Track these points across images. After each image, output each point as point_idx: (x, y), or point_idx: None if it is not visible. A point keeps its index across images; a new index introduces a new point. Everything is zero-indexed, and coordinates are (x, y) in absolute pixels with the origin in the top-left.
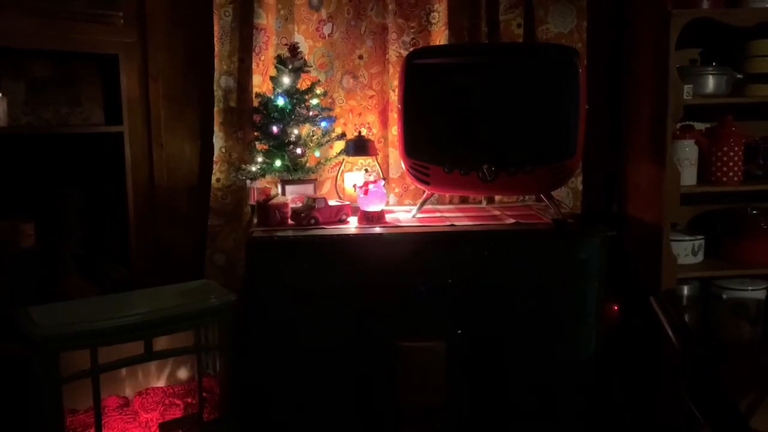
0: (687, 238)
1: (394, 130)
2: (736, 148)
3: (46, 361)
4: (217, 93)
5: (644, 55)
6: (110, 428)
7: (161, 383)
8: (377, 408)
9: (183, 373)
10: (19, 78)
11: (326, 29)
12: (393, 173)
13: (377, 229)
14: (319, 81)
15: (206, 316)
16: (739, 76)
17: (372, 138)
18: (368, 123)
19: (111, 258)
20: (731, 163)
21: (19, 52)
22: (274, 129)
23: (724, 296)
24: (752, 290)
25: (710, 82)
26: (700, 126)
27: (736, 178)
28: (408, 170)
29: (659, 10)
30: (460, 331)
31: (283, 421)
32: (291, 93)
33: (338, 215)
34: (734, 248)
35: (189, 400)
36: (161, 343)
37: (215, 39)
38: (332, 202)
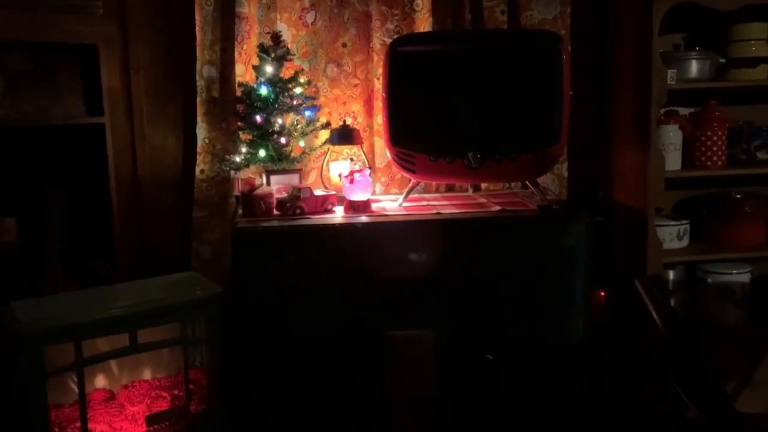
0: (672, 222)
1: (380, 119)
2: (720, 133)
3: (29, 355)
4: (200, 83)
5: (627, 40)
6: (96, 422)
7: (148, 376)
8: (366, 399)
9: (170, 366)
10: None
11: (309, 17)
12: (379, 162)
13: (363, 218)
14: (302, 70)
15: (192, 309)
16: (722, 60)
17: (357, 127)
18: (353, 112)
19: (95, 253)
20: (715, 148)
21: None
22: (258, 118)
23: (710, 280)
24: (737, 274)
25: (694, 67)
26: (684, 111)
27: (720, 163)
28: (394, 159)
29: None
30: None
31: (270, 412)
32: (274, 82)
33: (324, 205)
34: (719, 232)
35: (176, 392)
36: (147, 336)
37: (197, 28)
38: (318, 192)
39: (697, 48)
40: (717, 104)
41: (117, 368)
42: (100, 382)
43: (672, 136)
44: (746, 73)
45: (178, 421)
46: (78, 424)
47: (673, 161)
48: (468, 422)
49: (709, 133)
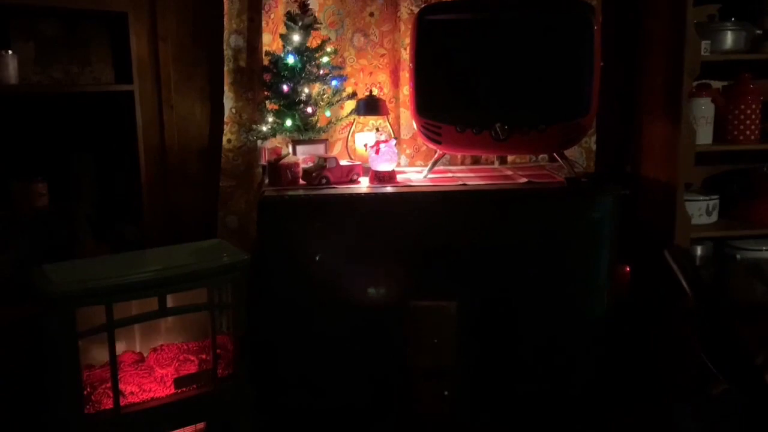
0: (701, 198)
1: (406, 90)
2: (754, 106)
3: (62, 317)
4: (227, 53)
5: (661, 10)
6: (126, 383)
7: (176, 340)
8: (387, 366)
9: (197, 331)
10: (29, 37)
11: None
12: (404, 134)
13: (388, 189)
14: (329, 39)
15: (219, 274)
16: (758, 31)
17: (383, 97)
18: (379, 82)
19: (123, 219)
20: (748, 122)
21: (29, 10)
22: (285, 88)
23: (738, 256)
24: (767, 250)
25: (728, 38)
26: (717, 84)
27: (753, 137)
28: (420, 130)
29: None
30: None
31: (294, 377)
32: (301, 51)
33: (349, 175)
34: (749, 208)
35: (203, 356)
36: (176, 300)
37: None
38: (343, 162)
39: (733, 19)
40: (751, 77)
41: (146, 331)
42: (130, 344)
43: (704, 109)
44: None
45: (205, 384)
46: (109, 385)
47: (704, 135)
48: (487, 390)
49: (742, 107)
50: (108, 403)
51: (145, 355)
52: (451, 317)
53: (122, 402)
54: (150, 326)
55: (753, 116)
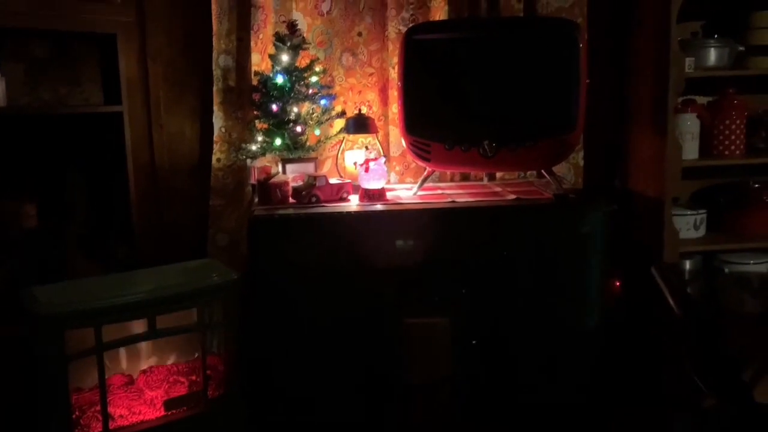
0: (689, 212)
1: (395, 108)
2: (738, 121)
3: (51, 339)
4: (216, 72)
5: (646, 28)
6: (116, 405)
7: (166, 361)
8: (383, 383)
9: (187, 352)
10: (18, 59)
11: (324, 6)
12: (394, 151)
13: (378, 207)
14: (318, 59)
15: (209, 294)
16: (741, 48)
17: (372, 116)
18: (368, 101)
19: (114, 238)
20: (733, 137)
21: (17, 32)
22: (274, 107)
23: (727, 270)
24: (755, 264)
25: (712, 55)
26: (702, 100)
27: (738, 152)
28: (409, 147)
29: None
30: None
31: (288, 397)
32: (290, 71)
33: (339, 193)
34: (737, 222)
35: (193, 377)
36: (165, 321)
37: (213, 17)
38: (333, 181)
39: (716, 35)
40: (735, 92)
41: (136, 353)
42: (119, 366)
43: (689, 125)
44: (765, 60)
45: (195, 405)
46: (98, 408)
47: (691, 150)
48: (483, 404)
49: (727, 122)
50: (97, 427)
51: (134, 377)
52: (444, 332)
53: (111, 425)
54: (139, 348)
55: (738, 131)
